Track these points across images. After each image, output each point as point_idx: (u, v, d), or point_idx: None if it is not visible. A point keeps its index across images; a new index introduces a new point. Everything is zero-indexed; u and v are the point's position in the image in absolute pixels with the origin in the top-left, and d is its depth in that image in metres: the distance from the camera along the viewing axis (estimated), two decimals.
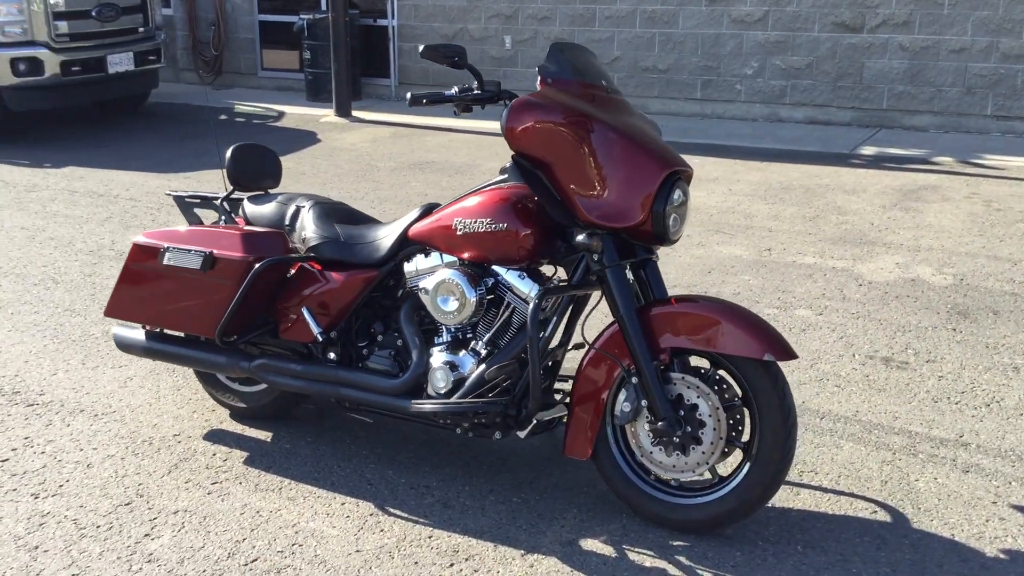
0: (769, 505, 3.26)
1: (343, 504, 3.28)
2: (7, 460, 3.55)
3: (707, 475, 3.11)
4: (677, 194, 3.04)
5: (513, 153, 3.06)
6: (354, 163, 8.27)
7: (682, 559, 2.99)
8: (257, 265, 3.37)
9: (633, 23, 10.10)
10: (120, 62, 9.33)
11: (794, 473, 3.46)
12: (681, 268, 5.57)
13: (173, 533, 3.11)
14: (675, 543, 3.07)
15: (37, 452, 3.60)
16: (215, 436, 3.73)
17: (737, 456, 3.12)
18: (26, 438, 3.70)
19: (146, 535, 3.10)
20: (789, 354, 2.95)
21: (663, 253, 5.79)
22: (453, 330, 3.32)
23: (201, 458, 3.57)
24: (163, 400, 4.01)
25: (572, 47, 3.19)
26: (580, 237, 3.00)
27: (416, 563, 2.97)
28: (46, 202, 7.13)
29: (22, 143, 9.11)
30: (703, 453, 3.03)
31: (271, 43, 12.07)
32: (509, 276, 3.22)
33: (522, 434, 3.24)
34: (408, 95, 3.13)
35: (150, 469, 3.49)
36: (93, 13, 9.15)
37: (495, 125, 9.63)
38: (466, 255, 3.21)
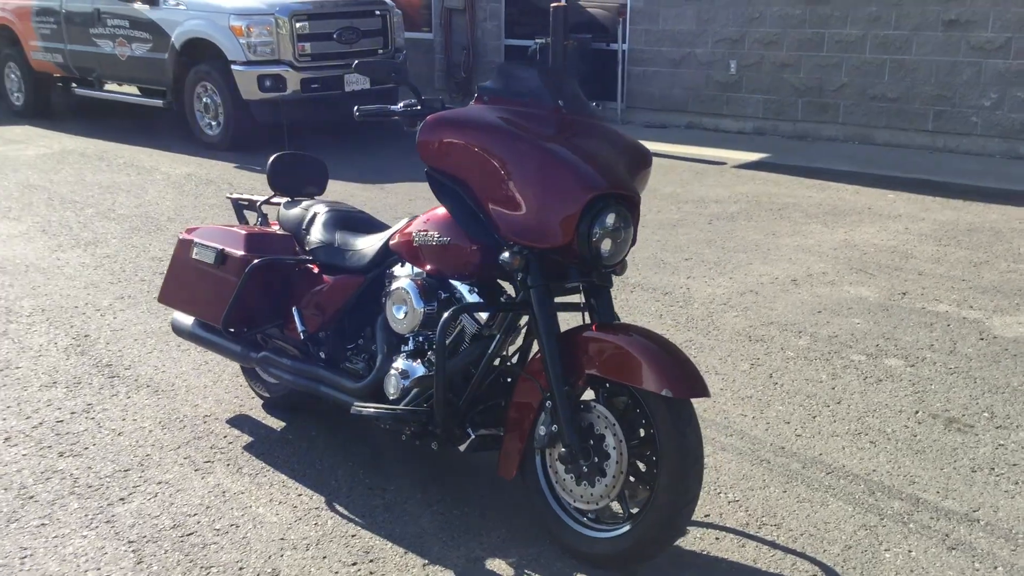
0: (699, 551, 3.09)
1: (299, 495, 3.47)
2: (62, 421, 4.04)
3: (619, 510, 3.00)
4: (610, 218, 2.96)
5: (427, 169, 3.11)
6: None
7: None
8: (255, 261, 3.64)
9: (863, 48, 9.56)
10: (357, 81, 10.08)
11: (753, 524, 3.24)
12: (793, 305, 5.27)
13: (143, 500, 3.43)
14: (578, 575, 2.99)
15: (89, 417, 4.07)
16: (237, 421, 4.04)
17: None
18: (89, 404, 4.20)
19: (121, 499, 3.45)
20: (695, 392, 2.80)
21: (771, 287, 5.51)
22: (420, 339, 3.41)
23: (211, 439, 3.89)
24: (219, 384, 4.39)
25: (528, 67, 3.20)
26: (503, 255, 3.00)
27: (324, 558, 3.10)
28: None
29: (263, 152, 10.08)
30: (606, 486, 2.93)
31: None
32: (462, 290, 3.28)
33: (462, 448, 3.27)
34: (355, 109, 3.27)
35: (164, 443, 3.85)
36: (335, 35, 9.97)
37: (713, 152, 9.49)
38: (427, 267, 3.30)
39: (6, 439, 3.87)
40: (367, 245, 3.60)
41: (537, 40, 11.31)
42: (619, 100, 11.43)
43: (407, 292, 3.30)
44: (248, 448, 3.81)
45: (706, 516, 3.30)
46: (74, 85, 12.00)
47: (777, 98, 10.23)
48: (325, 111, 10.06)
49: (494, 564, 3.05)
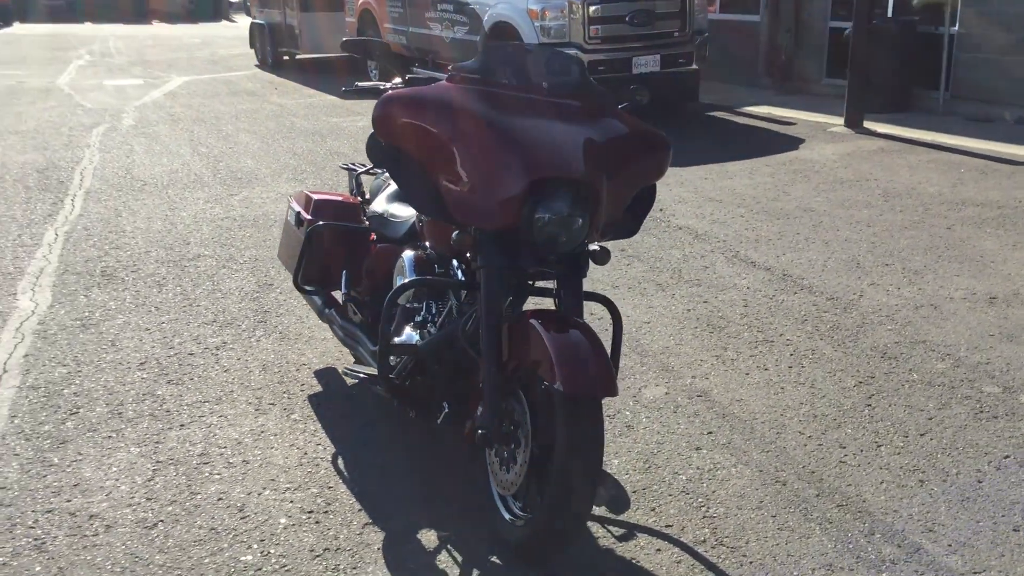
0: (628, 558, 2.96)
1: (318, 444, 3.72)
2: (192, 354, 4.61)
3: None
4: (557, 203, 2.89)
5: (384, 144, 3.16)
6: (790, 175, 8.02)
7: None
8: (317, 224, 3.93)
9: None
10: (645, 64, 10.10)
11: (710, 542, 3.02)
12: (967, 325, 4.67)
13: (196, 429, 3.86)
14: (494, 559, 2.98)
15: (213, 353, 4.60)
16: (323, 373, 4.38)
17: None
18: (224, 343, 4.73)
19: (181, 425, 3.90)
20: (591, 391, 2.68)
21: (959, 304, 4.92)
22: (433, 312, 3.53)
23: (289, 384, 4.25)
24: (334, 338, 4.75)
25: (513, 47, 3.17)
26: (454, 234, 3.03)
27: (291, 503, 3.33)
28: None
29: None
30: (515, 474, 2.89)
31: (841, 50, 11.81)
32: (455, 265, 3.34)
33: (438, 420, 3.34)
34: (355, 84, 3.41)
35: (252, 383, 4.27)
36: (627, 19, 10.04)
37: (1003, 148, 8.44)
38: (427, 242, 3.41)
39: (141, 363, 4.50)
40: (407, 217, 3.75)
41: None
42: (942, 89, 10.41)
43: (404, 264, 3.42)
44: (312, 397, 4.13)
45: (667, 526, 3.12)
46: (416, 66, 13.04)
47: None
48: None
49: (425, 535, 3.11)
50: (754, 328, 4.73)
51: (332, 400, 4.11)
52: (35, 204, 7.54)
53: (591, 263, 3.15)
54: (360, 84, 3.46)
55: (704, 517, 3.16)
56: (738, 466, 3.47)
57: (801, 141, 9.37)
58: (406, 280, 3.29)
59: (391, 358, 3.47)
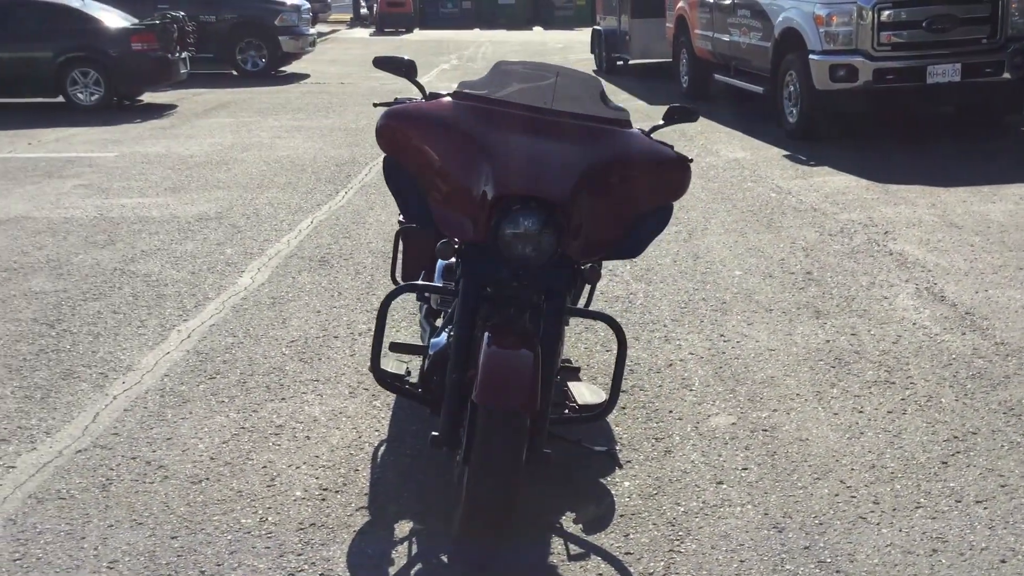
0: (563, 575, 2.95)
1: (375, 431, 4.00)
2: (337, 337, 5.06)
3: None
4: (522, 219, 2.97)
5: (384, 156, 3.31)
6: None
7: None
8: (405, 225, 4.21)
9: None
10: (943, 73, 9.29)
11: (657, 574, 2.93)
12: None
13: (291, 403, 4.27)
14: (443, 557, 3.10)
15: (348, 336, 5.02)
16: None
17: None
18: (361, 334, 5.15)
19: (282, 399, 4.34)
20: (498, 403, 2.74)
21: None
22: None
23: None
24: None
25: (525, 66, 3.24)
26: (439, 243, 3.18)
27: (316, 478, 3.63)
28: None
29: (830, 144, 9.85)
30: (457, 477, 2.99)
31: None
32: None
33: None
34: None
35: (362, 368, 4.63)
36: (924, 24, 9.30)
37: None
38: None
39: (291, 341, 5.01)
40: None
41: None
42: None
43: (437, 268, 3.60)
44: None
45: (628, 554, 3.08)
46: (718, 73, 12.86)
47: None
48: (901, 103, 9.52)
49: (401, 526, 3.28)
50: (883, 367, 4.35)
51: None
52: (314, 194, 8.45)
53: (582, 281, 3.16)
54: (399, 98, 3.68)
55: (670, 551, 3.06)
56: (746, 506, 3.29)
57: None
58: (440, 284, 3.49)
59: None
